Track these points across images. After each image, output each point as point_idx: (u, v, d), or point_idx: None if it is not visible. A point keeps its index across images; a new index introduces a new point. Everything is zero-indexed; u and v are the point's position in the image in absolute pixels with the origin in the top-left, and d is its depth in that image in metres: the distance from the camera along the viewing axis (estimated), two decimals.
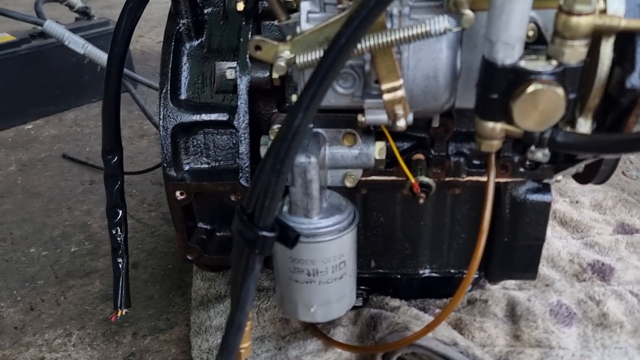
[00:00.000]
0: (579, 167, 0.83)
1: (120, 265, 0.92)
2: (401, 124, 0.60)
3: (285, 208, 0.76)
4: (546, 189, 0.85)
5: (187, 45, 0.81)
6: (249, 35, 0.78)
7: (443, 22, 0.53)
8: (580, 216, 1.24)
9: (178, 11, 0.79)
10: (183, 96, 0.80)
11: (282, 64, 0.58)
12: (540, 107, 0.56)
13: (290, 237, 0.59)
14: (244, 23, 0.78)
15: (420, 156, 0.82)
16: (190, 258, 0.84)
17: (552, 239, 1.16)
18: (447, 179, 0.83)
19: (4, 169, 1.59)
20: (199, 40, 0.82)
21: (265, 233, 0.56)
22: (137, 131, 1.77)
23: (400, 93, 0.60)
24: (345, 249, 0.76)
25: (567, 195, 1.31)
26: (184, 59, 0.80)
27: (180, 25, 0.80)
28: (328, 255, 0.75)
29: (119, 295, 0.92)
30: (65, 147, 1.70)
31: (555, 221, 1.24)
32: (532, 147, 0.61)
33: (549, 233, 1.18)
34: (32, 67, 1.82)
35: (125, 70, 1.62)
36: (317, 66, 0.50)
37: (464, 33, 0.63)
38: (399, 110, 0.61)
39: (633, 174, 1.46)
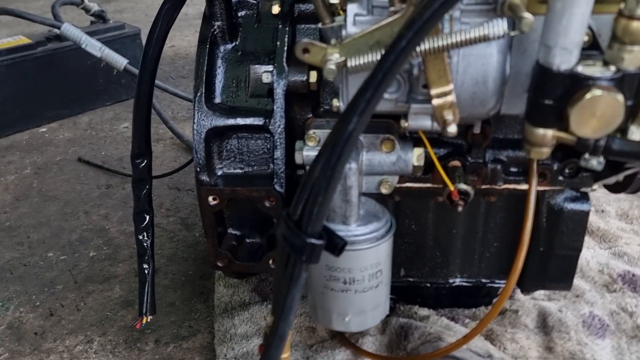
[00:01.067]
0: (620, 177, 0.81)
1: (146, 271, 0.90)
2: (452, 129, 0.59)
3: None
4: (584, 197, 0.83)
5: (222, 48, 0.80)
6: (285, 38, 0.77)
7: (502, 26, 0.52)
8: (607, 226, 1.22)
9: (213, 13, 0.78)
10: (217, 100, 0.79)
11: (333, 67, 0.56)
12: (599, 113, 0.55)
13: (337, 245, 0.57)
14: (280, 26, 0.77)
15: (456, 163, 0.80)
16: (220, 265, 0.83)
17: None
18: (483, 186, 0.81)
19: (19, 172, 1.58)
20: (234, 44, 0.80)
21: (313, 240, 0.54)
22: (152, 135, 1.74)
23: (450, 98, 0.59)
24: (382, 258, 0.75)
25: (592, 205, 1.29)
26: (219, 62, 0.79)
27: (215, 27, 0.78)
28: (365, 264, 0.73)
29: (145, 302, 0.90)
30: (81, 151, 1.68)
31: None
32: (586, 155, 0.59)
33: None
34: (47, 70, 1.81)
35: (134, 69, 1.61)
36: (375, 69, 0.48)
37: (514, 38, 0.61)
38: (449, 115, 0.59)
39: None
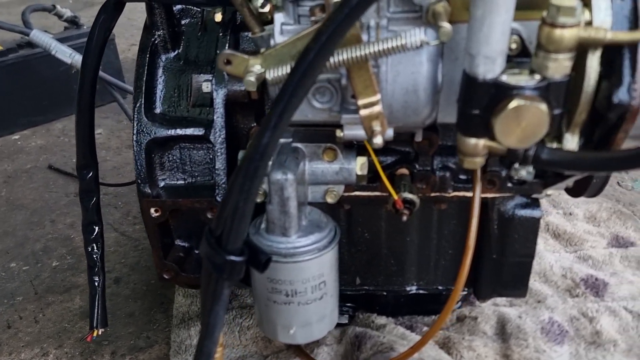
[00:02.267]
0: (569, 183, 0.80)
1: (96, 284, 0.88)
2: (378, 140, 0.58)
3: (263, 226, 0.73)
4: (535, 204, 0.82)
5: (163, 58, 0.78)
6: (226, 47, 0.75)
7: (419, 35, 0.51)
8: (574, 229, 1.21)
9: (153, 22, 0.77)
10: (158, 110, 0.77)
11: (252, 79, 0.55)
12: (523, 123, 0.54)
13: (261, 261, 0.56)
14: (221, 34, 0.76)
15: (404, 171, 0.79)
16: (166, 277, 0.81)
17: (544, 252, 1.14)
18: (432, 194, 0.80)
19: None
20: (176, 52, 0.79)
21: (233, 257, 0.53)
22: (125, 141, 1.74)
23: (377, 108, 0.58)
24: (325, 269, 0.74)
25: (560, 207, 1.29)
26: (160, 71, 0.78)
27: (156, 36, 0.77)
28: (307, 275, 0.72)
29: (95, 315, 0.88)
30: (52, 158, 1.67)
31: (548, 234, 1.21)
32: (516, 165, 0.58)
33: (542, 246, 1.15)
34: (19, 76, 1.80)
35: (114, 80, 1.60)
36: (285, 83, 0.47)
37: (445, 46, 0.60)
38: (377, 126, 0.58)
39: (628, 185, 1.43)
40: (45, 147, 1.74)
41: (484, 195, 0.80)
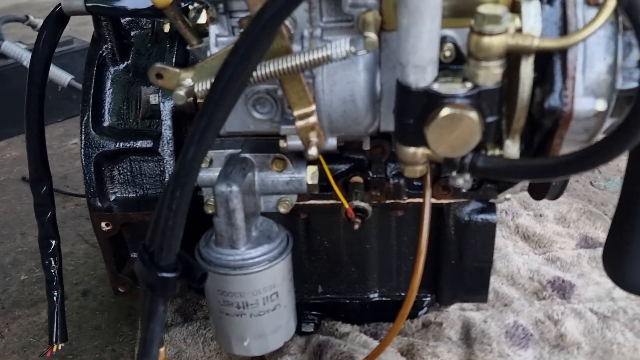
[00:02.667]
0: (524, 186, 0.80)
1: (54, 299, 0.88)
2: (313, 152, 0.57)
3: (214, 238, 0.72)
4: (491, 208, 0.82)
5: (112, 70, 0.78)
6: (173, 59, 0.75)
7: (345, 46, 0.50)
8: (544, 230, 1.21)
9: (101, 35, 0.76)
10: (107, 123, 0.77)
11: (182, 93, 0.54)
12: (455, 132, 0.53)
13: (196, 275, 0.55)
14: (168, 46, 0.75)
15: (358, 179, 0.78)
16: (122, 290, 0.81)
17: (513, 255, 1.13)
18: (387, 201, 0.80)
19: None
20: (125, 64, 0.79)
21: (165, 274, 0.52)
22: None
23: (312, 119, 0.57)
24: (277, 280, 0.73)
25: (531, 209, 1.29)
26: (108, 84, 0.77)
27: (104, 49, 0.77)
28: (258, 287, 0.71)
29: (54, 329, 0.88)
30: (26, 170, 1.64)
31: (517, 236, 1.21)
32: (454, 173, 0.58)
33: (510, 249, 1.15)
34: None
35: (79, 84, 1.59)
36: (206, 98, 0.47)
37: (382, 54, 0.60)
38: (313, 137, 0.58)
39: (601, 184, 1.43)
40: (19, 158, 1.73)
41: (439, 201, 0.79)
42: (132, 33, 0.80)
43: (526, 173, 0.54)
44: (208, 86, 0.54)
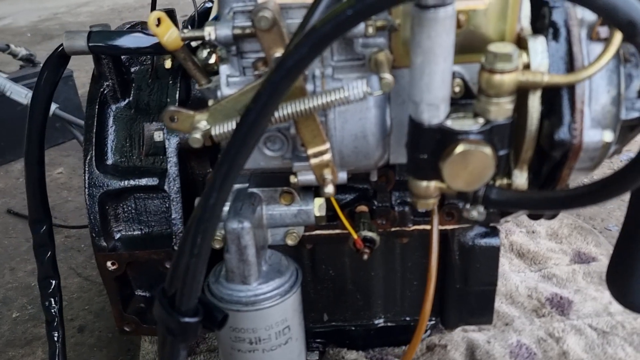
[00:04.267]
0: (526, 211, 0.82)
1: (55, 339, 0.86)
2: (329, 190, 0.58)
3: (223, 273, 0.72)
4: (494, 232, 0.83)
5: (113, 107, 0.77)
6: (177, 95, 0.75)
7: (362, 87, 0.51)
8: (537, 247, 1.23)
9: (101, 73, 0.76)
10: (110, 161, 0.76)
11: (198, 136, 0.54)
12: (470, 167, 0.54)
13: (217, 319, 0.55)
14: (171, 82, 0.75)
15: (363, 208, 0.79)
16: (127, 329, 0.79)
17: (510, 273, 1.15)
18: (393, 229, 0.80)
19: None
20: (126, 101, 0.78)
21: (187, 319, 0.52)
22: None
23: (327, 157, 0.58)
24: (289, 313, 0.73)
25: (523, 226, 1.31)
26: (110, 121, 0.77)
27: (105, 87, 0.76)
28: (270, 322, 0.71)
29: None
30: (11, 202, 1.62)
31: (512, 254, 1.23)
32: (467, 205, 0.59)
33: (507, 267, 1.17)
34: None
35: (73, 118, 1.57)
36: (227, 145, 0.47)
37: (392, 90, 0.61)
38: (327, 174, 0.58)
39: None
40: (3, 190, 1.70)
41: (443, 228, 0.80)
42: (132, 69, 0.80)
43: (539, 205, 0.56)
44: (225, 129, 0.54)
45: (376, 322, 0.94)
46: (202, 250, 0.50)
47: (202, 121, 0.56)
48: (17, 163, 1.84)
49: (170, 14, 0.88)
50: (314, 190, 0.76)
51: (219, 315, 0.55)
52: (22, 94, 1.58)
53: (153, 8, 1.05)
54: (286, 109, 0.51)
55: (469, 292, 0.86)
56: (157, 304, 0.53)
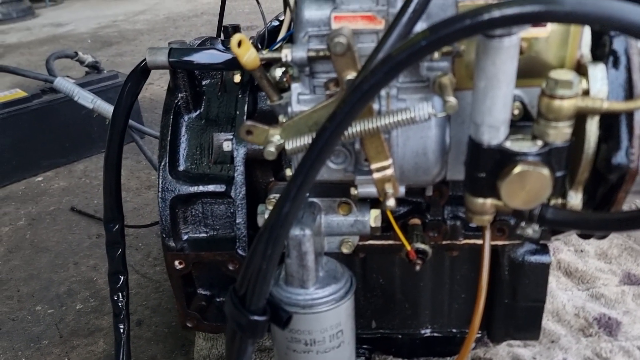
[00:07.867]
0: (577, 231, 0.83)
1: (121, 330, 0.92)
2: (391, 203, 0.61)
3: (282, 276, 0.76)
4: (544, 250, 0.85)
5: (186, 117, 0.83)
6: (245, 107, 0.80)
7: (427, 109, 0.55)
8: (586, 266, 1.22)
9: (177, 85, 0.82)
10: (181, 167, 0.82)
11: (272, 149, 0.59)
12: (527, 187, 0.57)
13: (282, 318, 0.59)
14: (240, 95, 0.81)
15: (416, 221, 0.82)
16: (189, 325, 0.85)
17: (557, 291, 1.15)
18: (444, 242, 0.83)
19: (13, 224, 1.62)
20: (198, 112, 0.84)
21: (256, 317, 0.56)
22: (144, 182, 1.79)
23: (389, 172, 0.61)
24: (342, 318, 0.76)
25: (571, 244, 1.31)
26: (183, 130, 0.82)
27: (179, 98, 0.82)
28: (325, 325, 0.75)
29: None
30: (74, 200, 1.72)
31: (560, 272, 1.23)
32: (523, 223, 0.61)
33: (554, 285, 1.17)
34: (43, 121, 1.87)
35: (132, 122, 1.66)
36: (303, 159, 0.51)
37: None
38: (389, 188, 0.62)
39: None
40: (67, 188, 1.80)
41: (494, 243, 0.83)
42: (204, 82, 0.86)
43: (594, 226, 0.58)
44: (298, 144, 0.58)
45: (422, 332, 0.96)
46: (274, 255, 0.55)
47: (275, 135, 0.60)
48: (79, 163, 1.95)
49: (236, 29, 0.95)
50: (370, 201, 0.80)
51: (285, 316, 0.59)
52: (88, 99, 1.68)
53: (220, 20, 1.12)
54: (356, 127, 0.56)
55: (517, 308, 0.88)
56: (229, 302, 0.58)
